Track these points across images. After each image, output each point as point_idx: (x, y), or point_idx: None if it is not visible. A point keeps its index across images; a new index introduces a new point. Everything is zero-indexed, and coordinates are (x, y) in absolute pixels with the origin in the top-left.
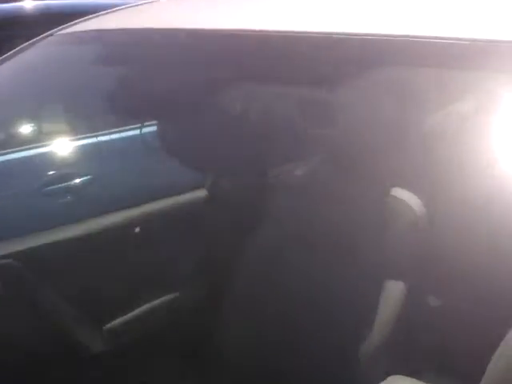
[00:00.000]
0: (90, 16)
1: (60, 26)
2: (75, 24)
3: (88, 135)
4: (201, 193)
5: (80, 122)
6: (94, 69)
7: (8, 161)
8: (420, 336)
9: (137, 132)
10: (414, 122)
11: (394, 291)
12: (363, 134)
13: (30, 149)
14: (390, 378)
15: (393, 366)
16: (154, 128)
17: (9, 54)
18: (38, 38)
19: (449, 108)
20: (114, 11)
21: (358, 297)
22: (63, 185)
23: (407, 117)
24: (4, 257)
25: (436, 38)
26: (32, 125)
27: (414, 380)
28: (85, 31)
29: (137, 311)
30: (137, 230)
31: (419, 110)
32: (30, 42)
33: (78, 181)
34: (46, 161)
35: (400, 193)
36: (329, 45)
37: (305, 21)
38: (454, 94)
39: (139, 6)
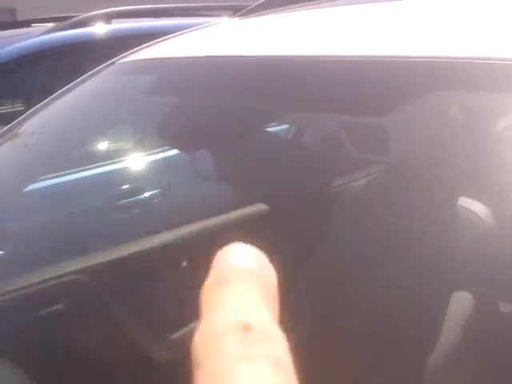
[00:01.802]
0: (152, 42)
1: (130, 48)
2: (138, 51)
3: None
4: (264, 206)
5: (140, 147)
6: (152, 98)
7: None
8: (494, 344)
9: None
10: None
11: (463, 301)
12: (427, 144)
13: (90, 169)
14: None
15: (464, 377)
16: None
17: (74, 82)
18: (100, 67)
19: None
20: (176, 36)
21: (425, 307)
22: (132, 199)
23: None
24: (72, 273)
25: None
26: (99, 146)
27: None
28: (145, 59)
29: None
30: (184, 263)
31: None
32: (93, 71)
33: (146, 195)
34: (116, 177)
35: (467, 202)
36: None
37: (363, 44)
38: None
39: (202, 30)
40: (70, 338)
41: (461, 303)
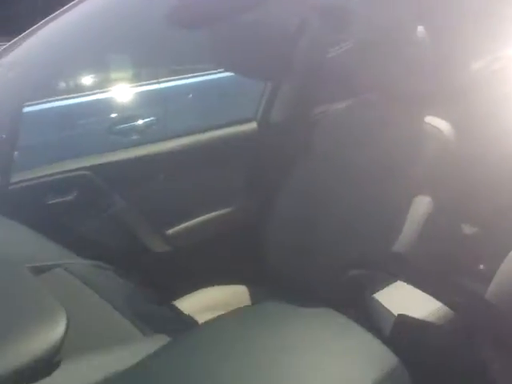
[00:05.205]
0: None
1: None
2: None
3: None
4: (252, 125)
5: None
6: (154, 20)
7: (82, 103)
8: (435, 245)
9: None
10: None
11: (421, 207)
12: (395, 68)
13: (94, 94)
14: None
15: (406, 269)
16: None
17: (71, 3)
18: None
19: None
20: None
21: (389, 207)
22: (129, 125)
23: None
24: (81, 169)
25: None
26: (99, 71)
27: None
28: None
29: (195, 220)
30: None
31: None
32: None
33: (142, 122)
34: (114, 104)
35: (431, 119)
36: None
37: None
38: None
39: None
40: (77, 222)
41: (421, 204)
